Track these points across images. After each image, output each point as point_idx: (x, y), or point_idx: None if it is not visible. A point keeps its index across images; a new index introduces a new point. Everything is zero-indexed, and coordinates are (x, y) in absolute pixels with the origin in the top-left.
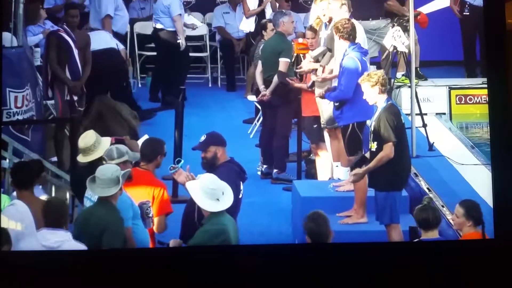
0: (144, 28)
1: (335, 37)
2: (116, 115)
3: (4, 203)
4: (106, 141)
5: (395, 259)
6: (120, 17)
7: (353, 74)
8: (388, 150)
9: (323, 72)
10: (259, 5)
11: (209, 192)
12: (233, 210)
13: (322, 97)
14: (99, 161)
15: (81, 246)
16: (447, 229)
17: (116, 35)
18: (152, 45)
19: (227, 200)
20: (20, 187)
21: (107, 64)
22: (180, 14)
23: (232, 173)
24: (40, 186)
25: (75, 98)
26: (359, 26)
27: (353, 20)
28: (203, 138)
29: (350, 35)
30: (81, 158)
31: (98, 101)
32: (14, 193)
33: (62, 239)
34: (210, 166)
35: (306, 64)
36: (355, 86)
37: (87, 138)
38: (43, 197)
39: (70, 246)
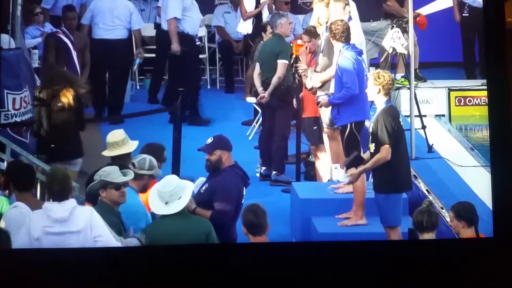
0: (143, 30)
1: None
2: (65, 83)
3: (2, 205)
4: (134, 143)
5: (393, 259)
6: (190, 18)
7: (351, 71)
8: (385, 152)
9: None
10: (257, 7)
11: (159, 194)
12: (233, 214)
13: (327, 105)
14: (120, 162)
15: (89, 209)
16: (446, 232)
17: (187, 36)
18: (151, 47)
19: (176, 206)
20: (21, 189)
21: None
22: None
23: (235, 178)
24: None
25: None
26: (357, 27)
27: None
28: (209, 140)
29: (342, 36)
30: (106, 152)
31: (48, 69)
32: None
33: (70, 208)
34: (214, 169)
35: (309, 82)
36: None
37: (116, 134)
38: None
39: (78, 214)
